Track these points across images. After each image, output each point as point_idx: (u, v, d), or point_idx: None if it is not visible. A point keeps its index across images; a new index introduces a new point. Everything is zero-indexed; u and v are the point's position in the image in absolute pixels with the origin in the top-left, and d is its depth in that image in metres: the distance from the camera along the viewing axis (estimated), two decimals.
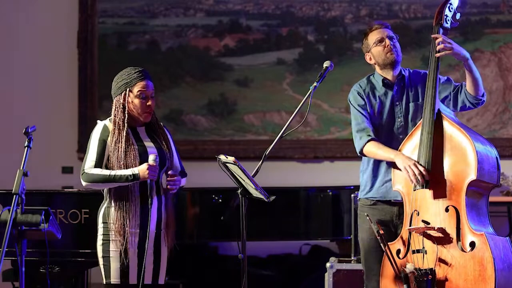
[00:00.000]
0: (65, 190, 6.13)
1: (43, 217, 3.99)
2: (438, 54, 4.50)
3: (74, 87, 7.73)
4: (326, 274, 5.58)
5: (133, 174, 4.34)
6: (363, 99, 4.68)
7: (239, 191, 4.35)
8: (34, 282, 5.41)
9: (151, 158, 4.38)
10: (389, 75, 4.67)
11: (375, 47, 4.64)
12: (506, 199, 6.79)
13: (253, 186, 4.29)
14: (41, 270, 5.35)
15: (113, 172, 4.36)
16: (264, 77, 7.66)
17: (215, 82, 7.69)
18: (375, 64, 4.70)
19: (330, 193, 6.05)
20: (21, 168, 3.98)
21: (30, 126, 4.11)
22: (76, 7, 7.72)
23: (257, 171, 4.37)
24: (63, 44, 7.73)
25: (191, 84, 7.72)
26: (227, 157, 4.28)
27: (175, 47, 7.73)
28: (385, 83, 4.67)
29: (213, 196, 5.79)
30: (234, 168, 4.29)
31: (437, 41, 4.50)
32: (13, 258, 4.43)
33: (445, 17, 4.60)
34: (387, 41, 4.62)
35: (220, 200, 5.76)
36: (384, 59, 4.64)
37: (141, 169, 4.34)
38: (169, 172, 4.47)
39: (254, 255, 7.11)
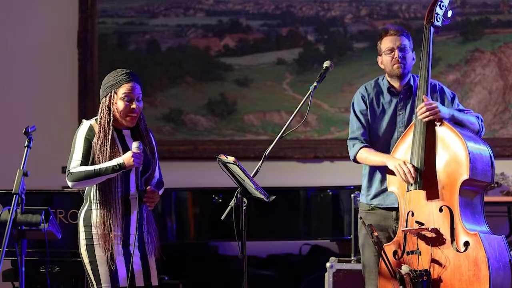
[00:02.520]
0: (65, 190, 6.13)
1: (43, 217, 3.99)
2: (425, 119, 4.42)
3: (74, 87, 7.73)
4: (326, 274, 5.58)
5: (118, 164, 4.26)
6: (365, 104, 4.67)
7: (239, 191, 4.35)
8: (34, 282, 5.42)
9: (135, 145, 4.31)
10: (396, 84, 4.65)
11: (385, 55, 4.61)
12: (506, 199, 6.78)
13: (253, 186, 4.28)
14: (41, 270, 5.35)
15: (97, 166, 4.28)
16: (264, 77, 7.66)
17: (215, 82, 7.69)
18: (384, 69, 4.68)
19: (330, 193, 6.05)
20: (21, 168, 3.98)
21: (30, 126, 4.11)
22: (76, 7, 7.71)
23: (257, 171, 4.37)
24: (63, 44, 7.72)
25: (191, 84, 7.72)
26: (227, 157, 4.28)
27: (175, 47, 7.73)
28: (391, 91, 4.66)
29: (213, 196, 5.79)
30: (234, 168, 4.29)
31: (421, 109, 4.42)
32: (13, 258, 4.43)
33: (436, 15, 4.58)
34: (396, 53, 4.57)
35: (220, 200, 5.76)
36: (390, 70, 4.62)
37: (126, 158, 4.27)
38: (149, 188, 4.39)
39: (254, 255, 7.11)
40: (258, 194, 4.33)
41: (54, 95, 7.71)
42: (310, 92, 4.51)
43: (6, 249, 3.87)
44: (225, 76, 7.68)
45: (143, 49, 7.75)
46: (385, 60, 4.62)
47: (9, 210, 3.95)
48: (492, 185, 6.58)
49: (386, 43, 4.61)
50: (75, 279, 5.52)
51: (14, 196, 3.93)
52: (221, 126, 7.67)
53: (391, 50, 4.59)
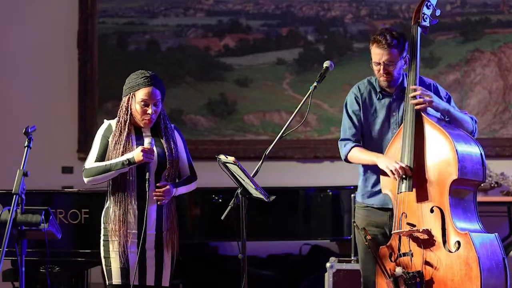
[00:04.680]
0: (65, 190, 6.13)
1: (43, 217, 3.99)
2: (417, 107, 4.41)
3: (74, 87, 7.73)
4: (326, 274, 5.58)
5: (127, 159, 4.37)
6: (359, 105, 4.65)
7: (239, 191, 4.35)
8: (34, 282, 5.41)
9: (146, 141, 4.44)
10: (387, 88, 4.64)
11: (373, 64, 4.58)
12: (506, 199, 6.78)
13: (253, 186, 4.28)
14: (41, 270, 5.34)
15: (108, 162, 4.41)
16: (264, 77, 7.66)
17: (215, 82, 7.69)
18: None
19: (330, 193, 6.04)
20: (21, 168, 3.98)
21: (30, 126, 4.12)
22: (76, 7, 7.72)
23: (257, 171, 4.37)
24: (63, 44, 7.73)
25: (191, 84, 7.72)
26: (227, 157, 4.28)
27: (175, 47, 7.73)
28: (383, 94, 4.64)
29: (213, 196, 5.79)
30: (234, 168, 4.29)
31: (414, 94, 4.42)
32: (13, 258, 4.43)
33: (423, 15, 4.57)
34: (382, 69, 4.53)
35: (220, 200, 5.76)
36: (378, 80, 4.61)
37: (136, 153, 4.37)
38: (158, 184, 4.45)
39: (254, 255, 7.11)
40: (258, 194, 4.33)
41: (54, 95, 7.71)
42: (310, 92, 4.51)
43: (6, 249, 3.87)
44: (225, 76, 7.68)
45: (143, 49, 7.75)
46: (373, 68, 4.59)
47: (9, 210, 3.95)
48: (492, 185, 6.60)
49: (374, 54, 4.54)
50: (75, 279, 5.52)
51: (14, 196, 3.93)
52: (221, 126, 7.67)
53: (377, 64, 4.54)
